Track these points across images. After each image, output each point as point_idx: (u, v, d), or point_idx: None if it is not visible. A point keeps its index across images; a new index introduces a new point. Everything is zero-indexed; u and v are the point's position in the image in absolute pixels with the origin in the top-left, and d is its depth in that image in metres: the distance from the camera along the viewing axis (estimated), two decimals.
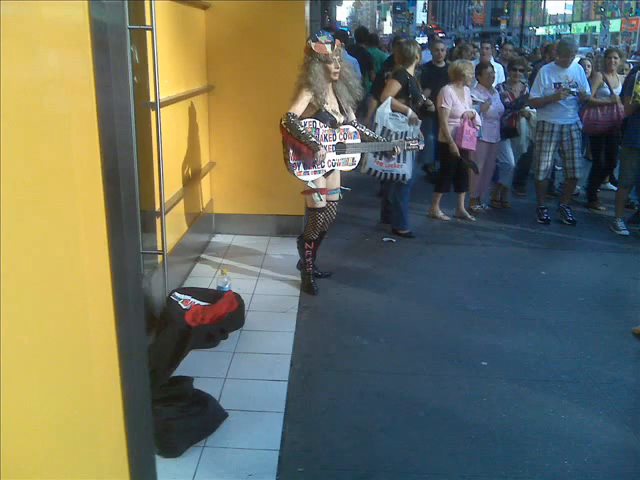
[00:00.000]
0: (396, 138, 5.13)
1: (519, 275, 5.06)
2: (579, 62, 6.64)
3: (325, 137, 4.13)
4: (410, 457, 2.79)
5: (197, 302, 4.00)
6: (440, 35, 24.33)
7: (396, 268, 5.12)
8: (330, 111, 4.15)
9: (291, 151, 4.06)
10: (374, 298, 4.48)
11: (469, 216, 6.39)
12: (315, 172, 4.16)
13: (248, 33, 5.14)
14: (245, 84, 5.26)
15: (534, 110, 6.55)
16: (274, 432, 2.89)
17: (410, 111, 5.45)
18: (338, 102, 4.22)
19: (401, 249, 5.56)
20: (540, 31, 51.83)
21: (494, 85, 6.64)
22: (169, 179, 4.10)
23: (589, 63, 7.33)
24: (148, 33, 3.64)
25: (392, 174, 5.51)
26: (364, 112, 6.76)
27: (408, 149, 4.67)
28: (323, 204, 4.32)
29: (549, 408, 3.18)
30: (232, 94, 5.28)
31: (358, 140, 4.31)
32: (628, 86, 6.00)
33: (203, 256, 5.13)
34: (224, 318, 3.84)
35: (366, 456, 2.78)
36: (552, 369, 3.57)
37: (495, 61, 8.31)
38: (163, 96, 3.87)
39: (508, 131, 6.57)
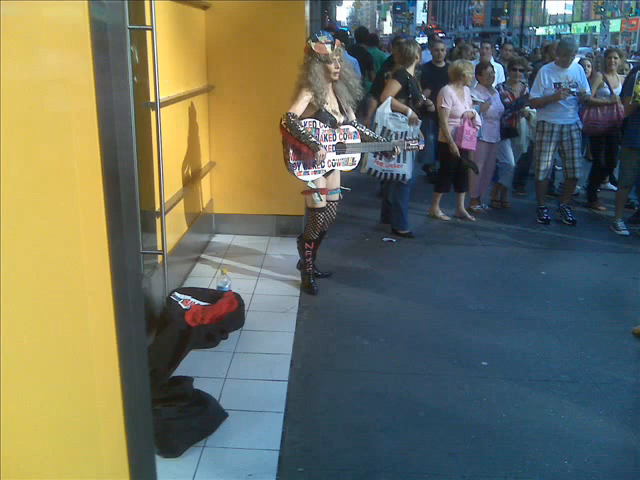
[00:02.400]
0: (396, 138, 5.13)
1: (519, 275, 5.06)
2: (579, 62, 6.64)
3: (325, 137, 4.13)
4: (410, 457, 2.79)
5: (197, 302, 4.00)
6: (440, 35, 24.31)
7: (396, 268, 5.12)
8: (330, 111, 4.15)
9: (291, 151, 4.06)
10: (374, 298, 4.48)
11: (469, 216, 6.39)
12: (315, 172, 4.16)
13: (248, 33, 5.14)
14: (245, 84, 5.26)
15: (534, 110, 6.56)
16: (274, 432, 2.89)
17: (410, 111, 5.45)
18: (338, 102, 4.22)
19: (401, 249, 5.56)
20: (540, 31, 51.83)
21: (494, 85, 6.64)
22: (169, 179, 4.10)
23: (589, 63, 7.33)
24: (148, 33, 3.64)
25: (392, 174, 5.51)
26: (364, 112, 6.76)
27: (408, 149, 4.67)
28: (323, 204, 4.32)
29: (549, 408, 3.18)
30: (232, 94, 5.28)
31: (358, 140, 4.31)
32: (628, 86, 6.00)
33: (203, 256, 5.13)
34: (224, 318, 3.84)
35: (366, 456, 2.78)
36: (552, 369, 3.57)
37: (495, 61, 8.32)
38: (163, 96, 3.87)
39: (508, 131, 6.57)
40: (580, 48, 15.52)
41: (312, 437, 2.91)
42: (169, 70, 4.14)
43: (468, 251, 5.60)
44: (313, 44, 4.05)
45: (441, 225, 6.28)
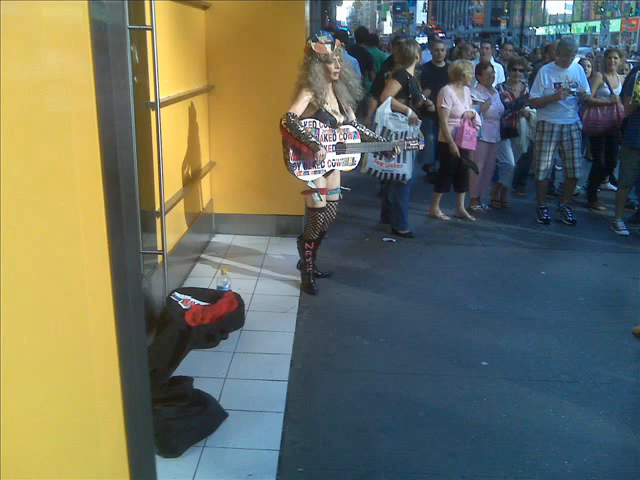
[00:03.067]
0: (396, 138, 5.13)
1: (519, 275, 5.06)
2: (579, 62, 6.64)
3: (325, 137, 4.13)
4: (410, 457, 2.79)
5: (197, 302, 4.00)
6: (440, 35, 24.32)
7: (396, 268, 5.12)
8: (330, 111, 4.15)
9: (291, 151, 4.06)
10: (374, 298, 4.48)
11: (469, 216, 6.39)
12: (315, 172, 4.17)
13: (248, 33, 5.14)
14: (245, 84, 5.26)
15: (534, 110, 6.55)
16: (274, 432, 2.88)
17: (410, 111, 5.45)
18: (338, 102, 4.22)
19: (401, 249, 5.56)
20: (540, 31, 51.83)
21: (494, 85, 6.64)
22: (169, 179, 4.10)
23: (589, 63, 7.33)
24: (148, 33, 3.64)
25: (392, 174, 5.51)
26: (364, 112, 6.76)
27: (408, 149, 4.67)
28: (323, 204, 4.32)
29: (549, 408, 3.18)
30: (232, 94, 5.28)
31: (358, 140, 4.31)
32: (628, 86, 6.00)
33: (203, 256, 5.13)
34: (224, 318, 3.84)
35: (366, 456, 2.78)
36: (552, 369, 3.57)
37: (495, 61, 8.32)
38: (163, 96, 3.87)
39: (508, 131, 6.57)
40: (580, 48, 15.51)
41: (312, 437, 2.91)
42: (169, 70, 4.14)
43: (468, 251, 5.60)
44: (313, 44, 4.05)
45: (441, 225, 6.28)
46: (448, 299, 4.51)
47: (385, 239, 5.73)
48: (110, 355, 1.47)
